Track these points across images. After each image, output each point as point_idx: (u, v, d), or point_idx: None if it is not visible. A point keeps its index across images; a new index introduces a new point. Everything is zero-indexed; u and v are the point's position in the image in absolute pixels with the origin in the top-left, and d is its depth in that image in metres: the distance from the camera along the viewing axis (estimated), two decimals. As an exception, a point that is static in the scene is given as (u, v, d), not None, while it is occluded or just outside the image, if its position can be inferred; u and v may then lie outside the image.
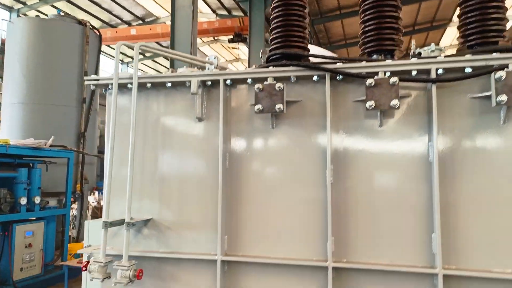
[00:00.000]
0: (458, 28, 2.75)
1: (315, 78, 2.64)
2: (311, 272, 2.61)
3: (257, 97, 2.60)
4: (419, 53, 2.68)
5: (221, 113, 2.77)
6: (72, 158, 7.63)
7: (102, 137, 10.42)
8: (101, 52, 9.67)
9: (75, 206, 9.07)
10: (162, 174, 2.91)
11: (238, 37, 14.89)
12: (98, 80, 2.99)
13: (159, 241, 2.88)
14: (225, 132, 2.78)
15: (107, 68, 20.13)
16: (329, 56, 2.68)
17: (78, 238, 8.48)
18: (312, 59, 2.74)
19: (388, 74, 2.46)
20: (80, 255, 5.73)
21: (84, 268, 2.77)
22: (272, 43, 2.87)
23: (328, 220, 2.55)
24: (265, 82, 2.61)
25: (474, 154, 2.43)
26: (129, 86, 2.95)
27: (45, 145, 6.80)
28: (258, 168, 2.77)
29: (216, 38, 19.85)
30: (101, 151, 8.71)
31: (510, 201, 2.36)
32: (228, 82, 2.80)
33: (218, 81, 2.79)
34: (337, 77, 2.61)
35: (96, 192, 11.74)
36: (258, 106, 2.58)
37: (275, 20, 2.85)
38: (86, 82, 3.02)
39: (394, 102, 2.36)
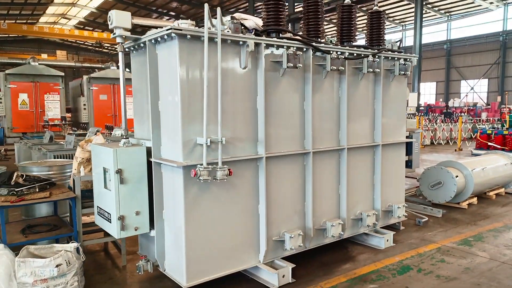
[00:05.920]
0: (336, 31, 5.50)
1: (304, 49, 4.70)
2: (300, 156, 4.85)
3: (288, 58, 4.36)
4: (331, 41, 5.24)
5: (263, 64, 4.29)
6: None
7: None
8: None
9: None
10: (222, 106, 4.10)
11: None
12: (180, 30, 3.65)
13: (222, 151, 4.13)
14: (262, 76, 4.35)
15: None
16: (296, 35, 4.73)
17: None
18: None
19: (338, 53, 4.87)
20: None
21: (194, 175, 3.72)
22: (270, 21, 4.54)
23: (306, 129, 4.82)
24: (292, 49, 4.39)
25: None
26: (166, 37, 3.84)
27: None
28: (277, 99, 4.54)
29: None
30: None
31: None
32: (264, 45, 4.31)
33: (260, 43, 4.26)
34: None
35: None
36: (290, 64, 4.37)
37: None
38: (154, 34, 3.59)
39: (342, 67, 4.86)
